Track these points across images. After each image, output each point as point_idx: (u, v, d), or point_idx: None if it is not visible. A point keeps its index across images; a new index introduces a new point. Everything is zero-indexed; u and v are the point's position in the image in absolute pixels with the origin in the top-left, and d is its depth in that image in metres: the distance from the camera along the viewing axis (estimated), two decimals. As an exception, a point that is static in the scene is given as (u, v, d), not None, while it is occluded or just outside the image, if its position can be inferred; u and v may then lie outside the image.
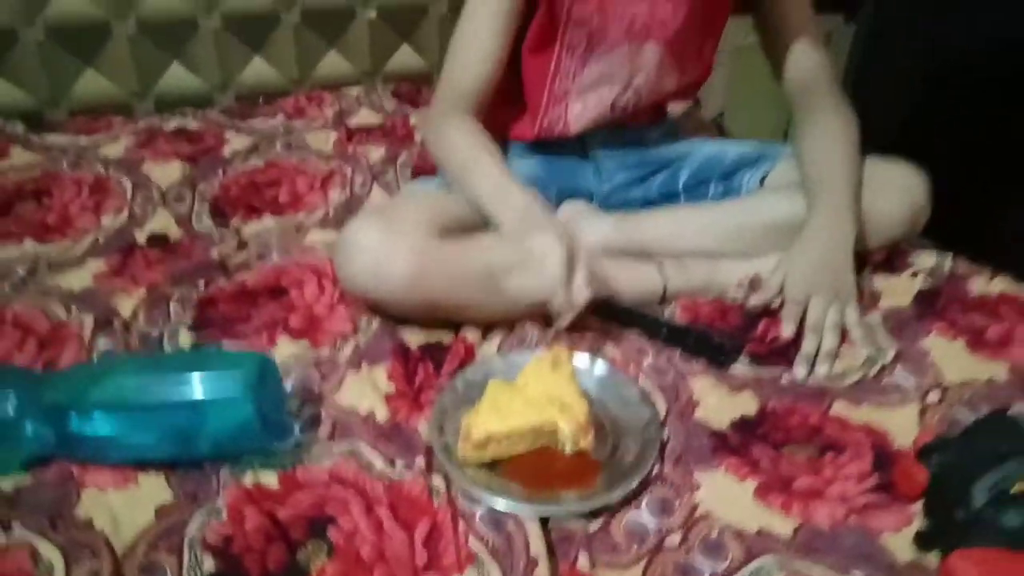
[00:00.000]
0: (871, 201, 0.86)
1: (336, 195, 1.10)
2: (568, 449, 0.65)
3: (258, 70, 1.48)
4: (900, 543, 0.59)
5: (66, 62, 1.36)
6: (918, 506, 0.61)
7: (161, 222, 1.01)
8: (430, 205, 0.84)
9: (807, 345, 0.77)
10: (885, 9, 1.48)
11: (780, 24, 0.94)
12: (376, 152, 1.21)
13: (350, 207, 1.08)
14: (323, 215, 1.05)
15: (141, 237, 0.98)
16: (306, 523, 0.59)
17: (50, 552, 0.56)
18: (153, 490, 0.62)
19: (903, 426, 0.69)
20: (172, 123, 1.28)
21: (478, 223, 0.84)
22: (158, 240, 0.98)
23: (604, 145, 0.99)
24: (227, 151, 1.20)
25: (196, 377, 0.63)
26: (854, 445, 0.67)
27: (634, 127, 1.00)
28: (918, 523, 0.61)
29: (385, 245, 0.76)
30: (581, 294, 0.73)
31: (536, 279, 0.75)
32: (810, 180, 0.87)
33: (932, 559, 0.58)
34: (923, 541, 0.59)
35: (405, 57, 1.57)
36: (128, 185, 1.09)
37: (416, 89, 1.48)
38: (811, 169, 0.88)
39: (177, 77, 1.43)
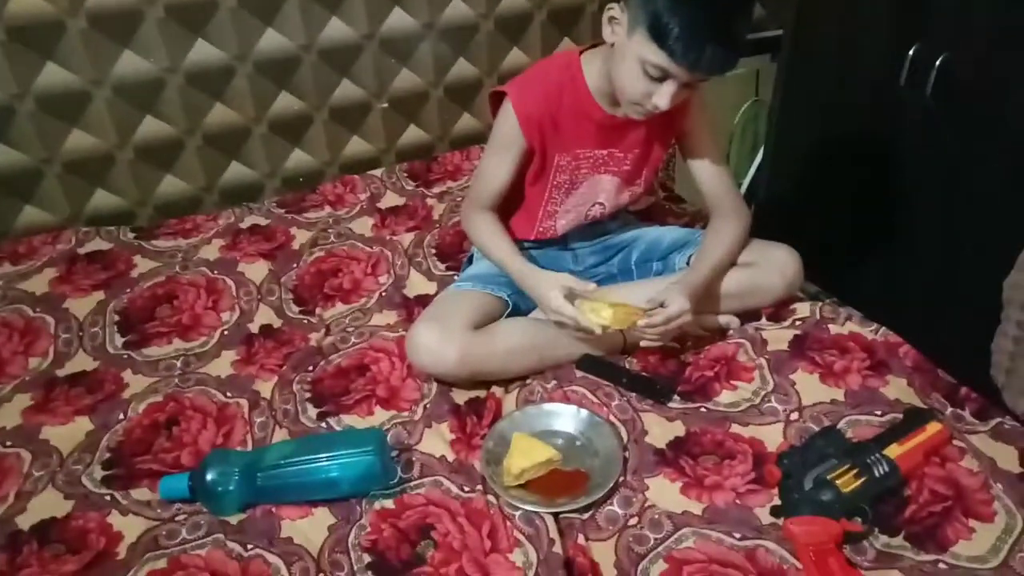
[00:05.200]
0: (759, 277, 1.29)
1: (384, 279, 1.49)
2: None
3: (298, 158, 1.86)
4: (763, 513, 1.01)
5: (150, 172, 1.73)
6: (775, 491, 1.03)
7: (265, 315, 1.41)
8: (465, 305, 1.25)
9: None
10: (797, 50, 1.89)
11: (697, 156, 1.35)
12: (407, 237, 1.60)
13: (397, 286, 1.48)
14: (378, 297, 1.45)
15: (254, 328, 1.38)
16: (417, 529, 1.01)
17: (275, 560, 0.98)
18: (323, 517, 1.03)
19: (773, 438, 1.11)
20: (247, 221, 1.66)
21: (500, 312, 1.27)
22: (268, 330, 1.37)
23: (578, 239, 1.41)
24: (295, 245, 1.59)
25: (337, 446, 1.05)
26: (742, 453, 1.09)
27: (599, 222, 1.40)
28: (774, 501, 1.03)
29: (440, 342, 1.17)
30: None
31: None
32: (699, 253, 1.31)
33: (780, 522, 1.00)
34: (776, 511, 1.01)
35: (412, 134, 1.95)
36: (232, 284, 1.47)
37: (426, 167, 1.86)
38: (703, 248, 1.31)
39: (236, 172, 1.81)
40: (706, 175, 1.35)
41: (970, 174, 1.53)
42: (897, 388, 1.17)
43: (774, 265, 1.30)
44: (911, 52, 1.55)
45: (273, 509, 1.03)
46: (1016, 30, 1.36)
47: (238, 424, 1.18)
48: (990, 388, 1.44)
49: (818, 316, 1.32)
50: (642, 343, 1.21)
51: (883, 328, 1.28)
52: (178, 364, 1.31)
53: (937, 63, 1.51)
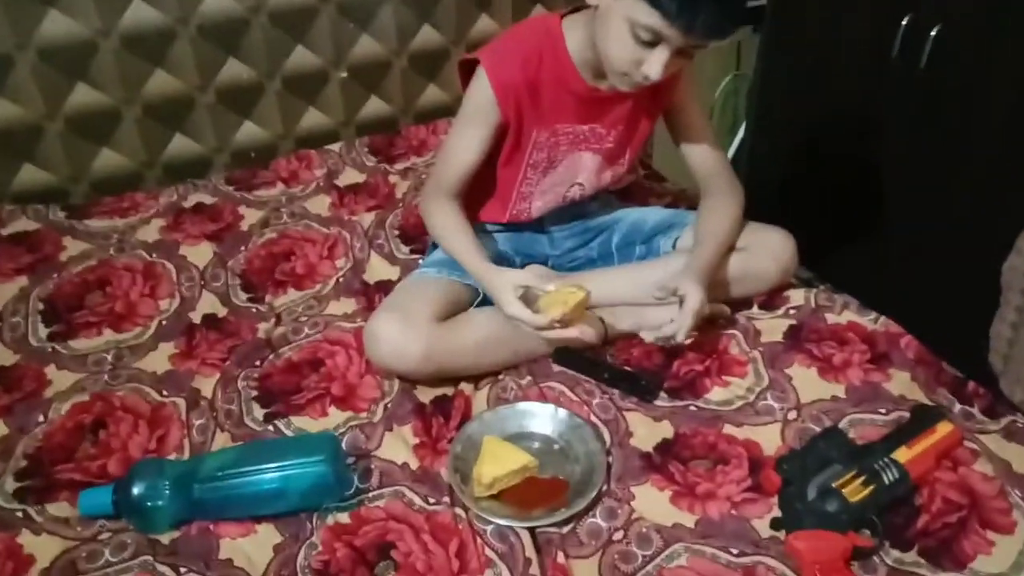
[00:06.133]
0: (751, 263, 1.18)
1: (341, 263, 1.36)
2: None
3: (248, 131, 1.71)
4: (763, 525, 0.91)
5: (84, 146, 1.57)
6: (775, 500, 0.94)
7: (208, 302, 1.27)
8: (431, 294, 1.13)
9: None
10: (782, 21, 1.80)
11: (688, 131, 1.23)
12: (367, 217, 1.47)
13: (356, 271, 1.35)
14: (335, 283, 1.32)
15: (196, 318, 1.24)
16: (376, 548, 0.89)
17: (212, 585, 0.86)
18: (269, 535, 0.91)
19: (770, 440, 1.02)
20: (191, 199, 1.51)
21: (468, 301, 1.15)
22: (211, 320, 1.24)
23: (555, 221, 1.29)
24: (244, 225, 1.45)
25: (285, 453, 0.93)
26: (736, 457, 0.99)
27: (577, 203, 1.28)
28: (774, 511, 0.93)
29: (402, 335, 1.05)
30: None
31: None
32: (698, 235, 1.19)
33: (781, 536, 0.90)
34: (776, 524, 0.91)
35: (374, 106, 1.81)
36: (172, 268, 1.33)
37: (388, 142, 1.72)
38: (701, 229, 1.20)
39: (181, 146, 1.66)
40: (697, 152, 1.23)
41: (967, 150, 1.45)
42: (901, 383, 1.08)
43: (767, 249, 1.20)
44: (904, 23, 1.47)
45: (211, 526, 0.91)
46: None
47: (174, 427, 1.05)
48: (994, 380, 1.36)
49: (813, 304, 1.22)
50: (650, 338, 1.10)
51: (883, 317, 1.19)
52: (109, 358, 1.17)
53: (932, 34, 1.42)
